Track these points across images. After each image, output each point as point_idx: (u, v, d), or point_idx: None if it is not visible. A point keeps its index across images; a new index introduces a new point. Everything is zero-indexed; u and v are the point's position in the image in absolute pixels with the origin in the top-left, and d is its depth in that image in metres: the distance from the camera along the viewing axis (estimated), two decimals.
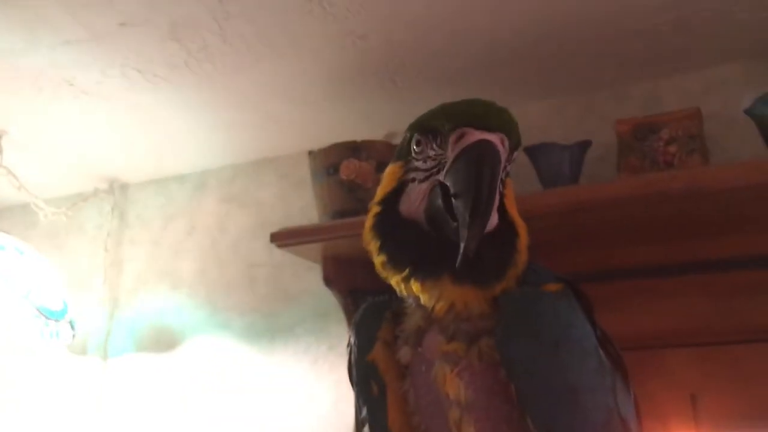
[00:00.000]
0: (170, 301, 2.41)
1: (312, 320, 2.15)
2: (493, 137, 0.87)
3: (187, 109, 2.03)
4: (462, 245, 0.83)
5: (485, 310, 0.88)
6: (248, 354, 2.23)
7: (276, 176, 2.37)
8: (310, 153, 1.89)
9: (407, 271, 0.91)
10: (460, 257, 0.84)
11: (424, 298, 0.91)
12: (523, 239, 0.94)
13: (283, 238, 1.79)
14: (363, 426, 1.01)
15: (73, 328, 2.16)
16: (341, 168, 1.79)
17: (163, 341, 2.36)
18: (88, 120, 2.09)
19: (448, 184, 0.88)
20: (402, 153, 0.98)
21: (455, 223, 0.86)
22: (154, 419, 2.29)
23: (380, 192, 0.99)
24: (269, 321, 2.23)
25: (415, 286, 0.91)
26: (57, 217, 2.47)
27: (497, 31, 1.65)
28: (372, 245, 0.96)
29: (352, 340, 1.03)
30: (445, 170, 0.89)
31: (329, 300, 1.96)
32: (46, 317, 2.11)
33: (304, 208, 2.25)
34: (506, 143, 0.89)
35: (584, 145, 1.68)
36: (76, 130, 2.16)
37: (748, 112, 1.52)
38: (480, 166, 0.86)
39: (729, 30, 1.64)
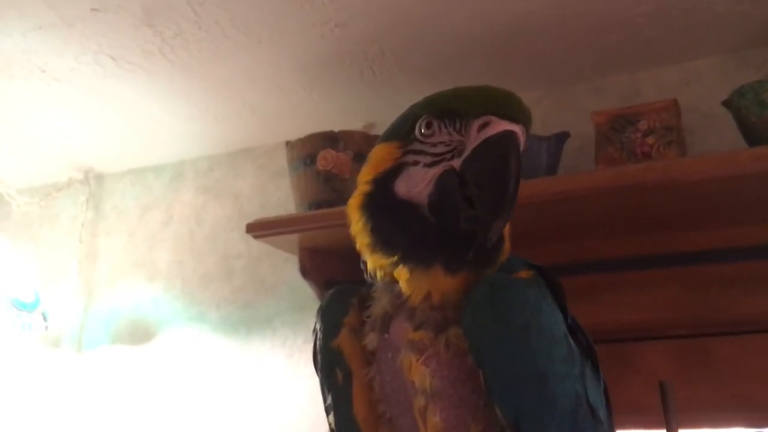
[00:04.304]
0: (146, 292, 2.38)
1: (289, 312, 2.14)
2: (517, 129, 0.85)
3: (162, 98, 2.00)
4: (482, 235, 0.82)
5: (459, 299, 0.87)
6: (224, 346, 2.21)
7: (253, 167, 2.35)
8: (288, 143, 1.87)
9: (398, 256, 0.89)
10: (476, 246, 0.82)
11: (405, 286, 0.89)
12: (507, 227, 0.93)
13: (259, 229, 1.76)
14: (328, 414, 0.99)
15: (45, 319, 2.14)
16: (318, 158, 1.77)
17: (139, 333, 2.33)
18: (61, 108, 2.06)
19: (468, 172, 0.85)
20: (401, 132, 0.93)
21: (471, 211, 0.84)
22: (129, 412, 2.27)
23: (371, 171, 0.94)
24: (246, 313, 2.21)
25: (402, 272, 0.88)
26: (30, 207, 2.44)
27: (476, 22, 1.64)
28: (358, 225, 0.93)
29: (318, 326, 1.01)
30: (464, 157, 0.86)
31: (306, 292, 1.95)
32: (18, 309, 2.08)
33: (281, 199, 2.24)
34: (525, 135, 0.87)
35: (562, 137, 1.67)
36: (50, 118, 2.13)
37: (725, 104, 1.52)
38: (508, 158, 0.83)
39: (706, 22, 1.64)
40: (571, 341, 0.89)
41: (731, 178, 1.33)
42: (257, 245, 2.09)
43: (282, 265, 2.16)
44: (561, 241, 1.70)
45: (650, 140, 1.51)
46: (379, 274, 0.92)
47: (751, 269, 1.58)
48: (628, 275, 1.66)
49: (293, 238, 1.79)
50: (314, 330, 1.02)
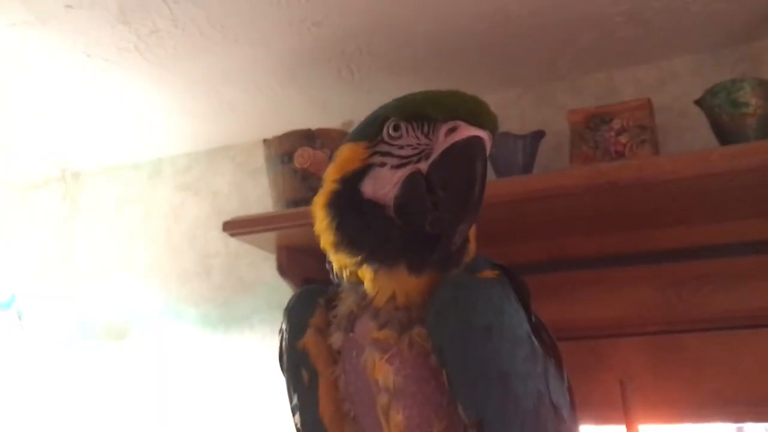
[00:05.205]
0: (123, 290, 2.37)
1: (267, 310, 2.14)
2: (484, 134, 0.86)
3: (138, 95, 1.98)
4: (447, 238, 0.83)
5: (423, 299, 0.87)
6: (203, 344, 2.20)
7: (232, 165, 2.34)
8: (265, 141, 1.87)
9: (361, 256, 0.89)
10: (441, 249, 0.84)
11: (369, 286, 0.90)
12: (473, 228, 0.93)
13: (236, 227, 1.76)
14: (294, 414, 0.99)
15: (20, 318, 2.12)
16: (295, 156, 1.77)
17: (116, 331, 2.32)
18: (37, 106, 2.03)
19: (434, 175, 0.86)
20: (368, 133, 0.93)
21: (436, 214, 0.85)
22: (107, 409, 2.25)
23: (339, 170, 0.94)
24: (224, 311, 2.21)
25: (366, 272, 0.89)
26: (6, 205, 2.41)
27: (453, 21, 1.64)
28: (323, 223, 0.93)
29: (284, 326, 1.01)
30: (431, 161, 0.87)
31: (284, 290, 1.94)
32: None
33: (260, 197, 2.23)
34: (491, 141, 0.89)
35: (538, 135, 1.68)
36: (25, 116, 2.10)
37: (698, 103, 1.54)
38: (474, 163, 0.85)
39: (682, 22, 1.65)
40: (534, 341, 0.89)
41: (703, 177, 1.35)
42: (235, 243, 2.08)
43: (260, 263, 2.16)
44: (535, 240, 1.71)
45: (623, 139, 1.52)
46: (344, 274, 0.92)
47: (725, 266, 1.61)
48: (601, 273, 1.68)
49: (271, 237, 1.79)
50: (280, 330, 1.02)
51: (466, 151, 0.85)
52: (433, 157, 0.87)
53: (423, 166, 0.87)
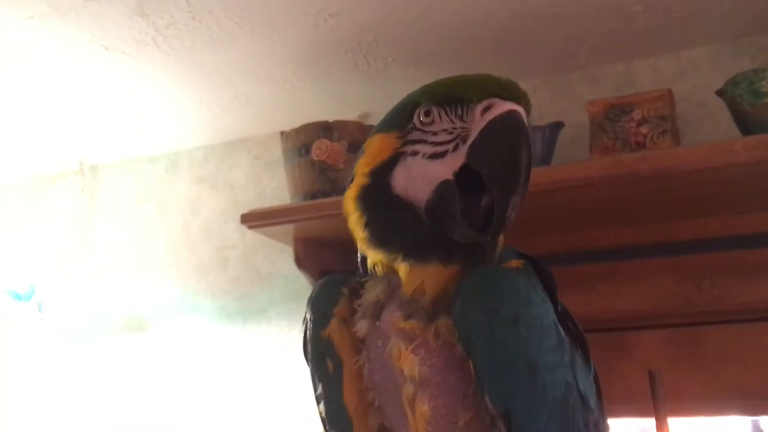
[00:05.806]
0: (141, 283, 2.38)
1: (284, 302, 2.14)
2: (520, 109, 0.85)
3: (156, 88, 1.99)
4: (500, 212, 0.82)
5: (450, 290, 0.86)
6: (220, 336, 2.21)
7: (248, 157, 2.34)
8: (282, 133, 1.87)
9: (393, 254, 0.88)
10: (495, 226, 0.83)
11: (404, 277, 0.88)
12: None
13: (254, 220, 1.76)
14: (318, 403, 0.99)
15: (40, 310, 2.14)
16: (313, 149, 1.77)
17: (134, 324, 2.33)
18: (55, 99, 2.04)
19: (477, 155, 0.84)
20: (398, 122, 0.91)
21: (466, 227, 0.84)
22: (124, 402, 2.27)
23: (369, 162, 0.92)
24: (241, 304, 2.22)
25: (402, 266, 0.88)
26: (25, 198, 2.43)
27: (471, 11, 1.63)
28: (353, 217, 0.92)
29: (308, 316, 1.01)
30: (470, 142, 0.84)
31: (301, 282, 1.95)
32: (14, 300, 2.08)
33: (276, 189, 2.24)
34: (527, 118, 0.87)
35: (557, 126, 1.67)
36: (43, 109, 2.11)
37: (719, 93, 1.52)
38: (517, 133, 0.83)
39: (701, 11, 1.64)
40: (561, 330, 0.88)
41: (725, 168, 1.34)
42: (252, 236, 2.09)
43: (277, 255, 2.17)
44: (555, 231, 1.70)
45: (644, 130, 1.51)
46: (377, 267, 0.91)
47: (745, 258, 1.59)
48: (622, 265, 1.67)
49: (288, 229, 1.79)
50: (304, 320, 1.02)
51: (507, 124, 0.83)
52: (472, 138, 0.85)
53: (459, 156, 0.85)
